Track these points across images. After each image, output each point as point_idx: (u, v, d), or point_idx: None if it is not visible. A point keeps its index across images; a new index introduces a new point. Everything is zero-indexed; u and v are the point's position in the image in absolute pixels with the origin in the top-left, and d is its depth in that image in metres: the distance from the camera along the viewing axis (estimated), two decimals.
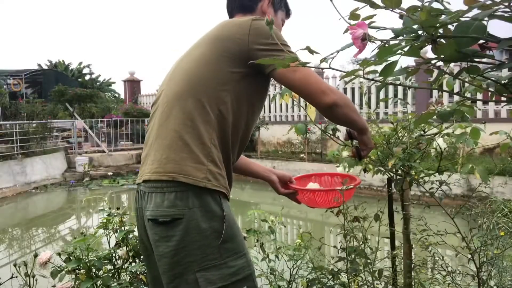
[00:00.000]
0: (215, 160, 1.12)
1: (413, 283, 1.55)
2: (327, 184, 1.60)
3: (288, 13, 1.44)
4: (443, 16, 0.59)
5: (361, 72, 0.70)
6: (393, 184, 1.62)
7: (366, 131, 1.26)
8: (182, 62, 1.24)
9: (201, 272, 1.06)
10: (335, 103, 1.11)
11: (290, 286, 1.85)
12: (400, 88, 9.64)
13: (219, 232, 1.08)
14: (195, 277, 1.06)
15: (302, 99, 1.23)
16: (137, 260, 1.77)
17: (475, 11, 0.57)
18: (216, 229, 1.08)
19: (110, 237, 1.78)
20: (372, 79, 0.74)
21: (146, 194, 1.13)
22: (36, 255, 1.62)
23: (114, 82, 26.26)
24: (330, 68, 0.68)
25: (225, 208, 1.12)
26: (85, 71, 24.99)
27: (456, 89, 1.13)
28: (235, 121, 1.18)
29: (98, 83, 25.03)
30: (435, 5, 0.60)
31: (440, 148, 1.45)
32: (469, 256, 1.39)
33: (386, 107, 9.84)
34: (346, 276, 1.60)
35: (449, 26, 0.59)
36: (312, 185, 1.54)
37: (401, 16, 0.60)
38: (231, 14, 1.37)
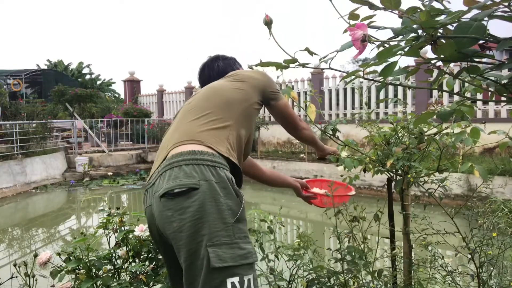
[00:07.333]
0: (233, 154, 1.26)
1: (413, 283, 1.55)
2: (322, 188, 1.99)
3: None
4: (443, 17, 0.59)
5: (361, 73, 0.70)
6: (393, 184, 1.62)
7: (319, 144, 1.79)
8: (216, 83, 1.47)
9: (212, 248, 1.07)
10: (305, 127, 1.65)
11: (290, 286, 1.85)
12: (400, 88, 9.63)
13: (234, 211, 1.12)
14: (206, 252, 1.07)
15: (301, 100, 1.25)
16: (137, 260, 1.77)
17: (474, 11, 0.57)
18: (230, 207, 1.12)
19: (110, 237, 1.78)
20: (372, 80, 0.74)
21: (159, 176, 1.17)
22: (36, 255, 1.62)
23: (114, 82, 26.29)
24: (329, 68, 0.68)
25: (239, 191, 1.18)
26: (85, 71, 25.01)
27: (456, 89, 1.13)
28: (242, 133, 1.36)
29: (98, 83, 25.04)
30: (435, 5, 0.60)
31: (440, 147, 1.45)
32: (469, 256, 1.39)
33: (386, 107, 9.83)
34: (343, 277, 1.60)
35: (449, 27, 0.59)
36: (316, 190, 1.93)
37: (401, 16, 0.60)
38: (208, 81, 1.56)
